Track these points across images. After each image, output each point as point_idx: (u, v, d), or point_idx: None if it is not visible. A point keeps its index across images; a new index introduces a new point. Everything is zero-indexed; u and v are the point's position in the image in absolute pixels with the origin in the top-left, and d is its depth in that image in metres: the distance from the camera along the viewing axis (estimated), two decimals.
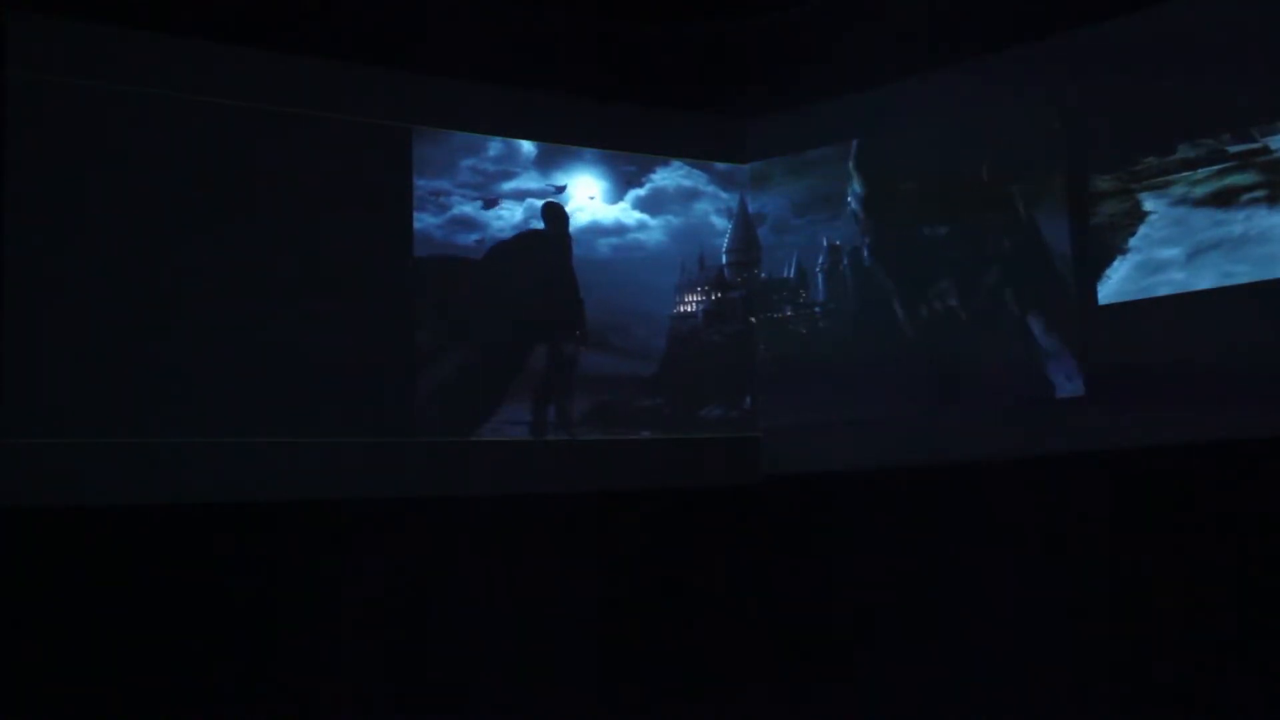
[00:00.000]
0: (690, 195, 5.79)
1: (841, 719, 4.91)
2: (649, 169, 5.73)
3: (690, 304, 5.72)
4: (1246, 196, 4.37)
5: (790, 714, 5.01)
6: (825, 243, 5.62)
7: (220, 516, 4.54)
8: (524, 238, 5.42)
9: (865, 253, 5.47)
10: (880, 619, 5.04)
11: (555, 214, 5.48)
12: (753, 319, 5.79)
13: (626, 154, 5.67)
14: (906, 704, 4.80)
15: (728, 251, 5.82)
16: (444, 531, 4.91)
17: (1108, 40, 4.72)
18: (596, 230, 5.58)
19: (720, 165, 5.85)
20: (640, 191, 5.70)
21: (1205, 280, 4.45)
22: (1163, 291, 4.55)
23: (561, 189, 5.48)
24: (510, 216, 5.39)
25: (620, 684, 5.02)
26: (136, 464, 4.45)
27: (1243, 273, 4.36)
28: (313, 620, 4.62)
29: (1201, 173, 4.48)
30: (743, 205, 5.84)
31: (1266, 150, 4.32)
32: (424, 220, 5.18)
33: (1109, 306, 4.71)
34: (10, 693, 4.06)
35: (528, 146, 5.46)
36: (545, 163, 5.49)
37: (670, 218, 5.73)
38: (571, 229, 5.52)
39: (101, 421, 4.42)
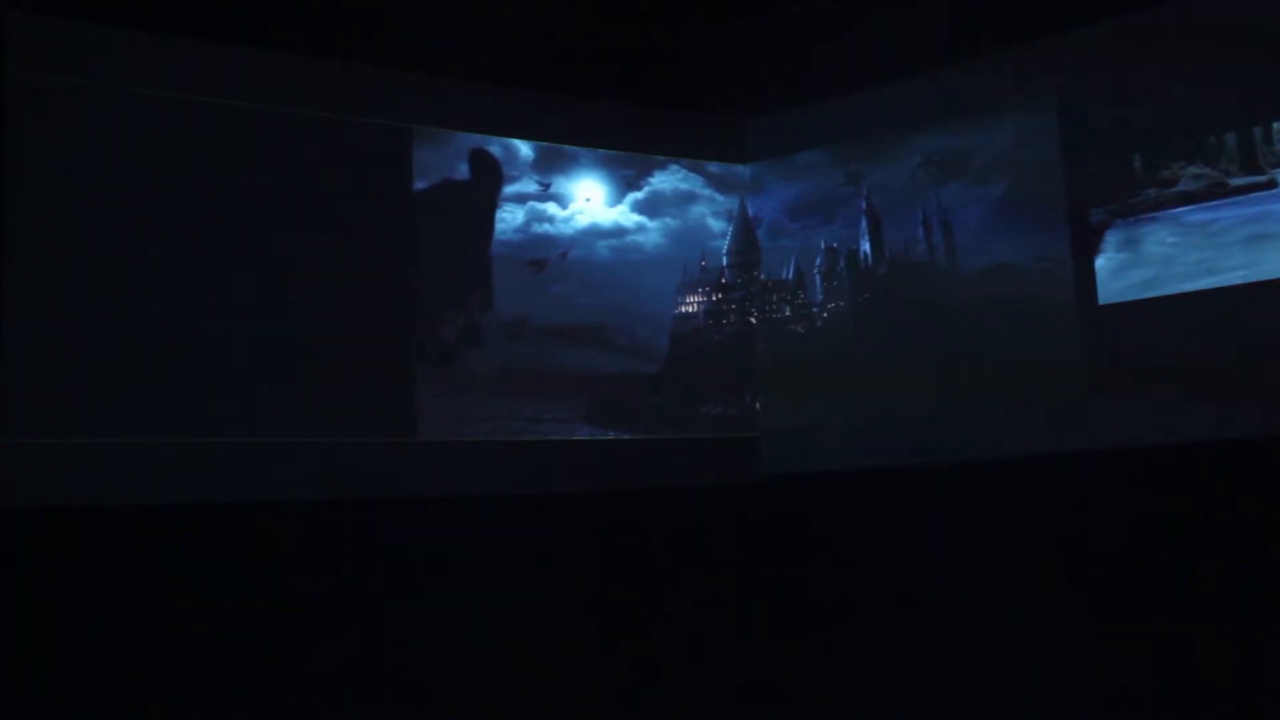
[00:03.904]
0: (687, 198, 5.81)
1: (841, 718, 4.91)
2: (647, 172, 5.74)
3: (692, 304, 5.73)
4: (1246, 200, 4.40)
5: (790, 713, 5.01)
6: (823, 244, 5.64)
7: (220, 516, 4.53)
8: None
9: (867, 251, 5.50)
10: (880, 619, 5.04)
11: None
12: (753, 319, 5.80)
13: (624, 158, 5.68)
14: (907, 704, 4.80)
15: (728, 253, 5.84)
16: (444, 531, 4.90)
17: (1109, 40, 4.74)
18: (596, 232, 5.59)
19: (717, 169, 5.86)
20: (638, 195, 5.71)
21: (1206, 280, 4.46)
22: (1163, 291, 4.57)
23: (547, 186, 5.47)
24: (511, 219, 5.40)
25: (620, 684, 5.02)
26: (136, 464, 4.43)
27: (1243, 273, 4.38)
28: (312, 620, 4.61)
29: (1202, 178, 4.51)
30: (743, 207, 5.86)
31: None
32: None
33: (1109, 306, 4.72)
34: (10, 693, 4.05)
35: (525, 150, 5.46)
36: (543, 166, 5.49)
37: (668, 220, 5.74)
38: (571, 231, 5.52)
39: (101, 421, 4.41)
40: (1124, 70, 4.71)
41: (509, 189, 5.41)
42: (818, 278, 5.65)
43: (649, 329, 5.62)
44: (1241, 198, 4.40)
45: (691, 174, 5.82)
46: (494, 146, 5.38)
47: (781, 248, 5.77)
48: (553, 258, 5.47)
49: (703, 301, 5.75)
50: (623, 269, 5.61)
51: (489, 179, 5.36)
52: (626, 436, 5.48)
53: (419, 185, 5.17)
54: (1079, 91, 4.86)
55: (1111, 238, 4.70)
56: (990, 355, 5.01)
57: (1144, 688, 4.35)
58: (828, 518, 5.31)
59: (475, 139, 5.33)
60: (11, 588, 4.13)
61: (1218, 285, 4.43)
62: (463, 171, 5.31)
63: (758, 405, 5.72)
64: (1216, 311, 4.41)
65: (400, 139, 5.14)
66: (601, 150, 5.62)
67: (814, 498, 5.40)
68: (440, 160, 5.25)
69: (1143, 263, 4.63)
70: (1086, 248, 4.79)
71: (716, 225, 5.84)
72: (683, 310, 5.71)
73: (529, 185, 5.45)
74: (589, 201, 5.59)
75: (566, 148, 5.56)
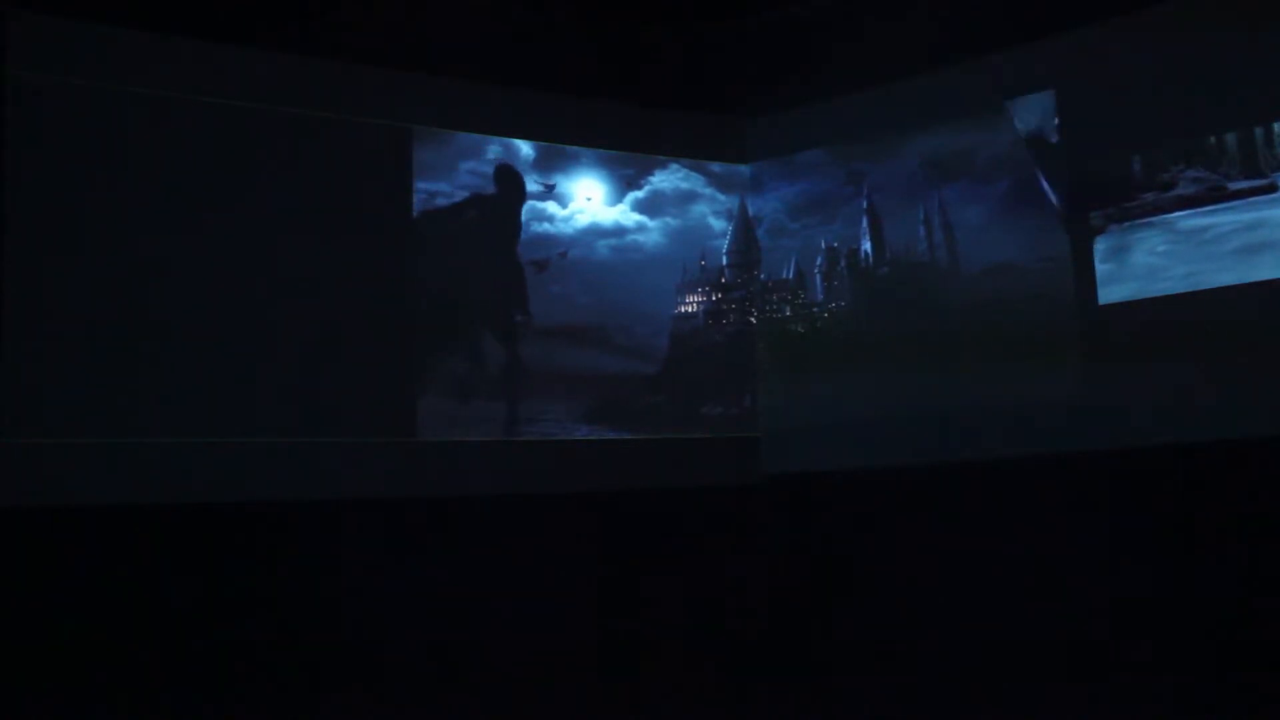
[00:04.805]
0: (688, 198, 5.80)
1: (841, 717, 4.91)
2: (647, 172, 5.73)
3: (692, 304, 5.73)
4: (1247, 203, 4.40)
5: (790, 714, 5.01)
6: (823, 244, 5.64)
7: (220, 516, 4.54)
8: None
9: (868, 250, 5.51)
10: (880, 618, 5.04)
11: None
12: (753, 319, 5.80)
13: (625, 157, 5.68)
14: (907, 703, 4.80)
15: (728, 253, 5.84)
16: (444, 531, 4.90)
17: (1108, 41, 4.74)
18: (596, 232, 5.59)
19: (717, 168, 5.86)
20: (639, 194, 5.71)
21: (1208, 280, 4.46)
22: (1163, 291, 4.56)
23: (552, 186, 5.48)
24: None
25: (620, 683, 5.02)
26: (136, 464, 4.44)
27: (1242, 272, 4.37)
28: (312, 620, 4.62)
29: (1201, 181, 4.51)
30: (743, 207, 5.86)
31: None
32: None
33: (1109, 306, 4.71)
34: (10, 693, 4.05)
35: (526, 150, 5.46)
36: (543, 166, 5.50)
37: (668, 220, 5.74)
38: (571, 231, 5.52)
39: (101, 421, 4.41)
40: (1124, 70, 4.71)
41: None
42: (818, 277, 5.65)
43: (649, 329, 5.62)
44: (1240, 202, 4.39)
45: (692, 173, 5.82)
46: (494, 146, 5.38)
47: (782, 247, 5.76)
48: (553, 257, 5.47)
49: (703, 301, 5.75)
50: (623, 269, 5.61)
51: (512, 191, 5.38)
52: (626, 436, 5.49)
53: (427, 192, 5.18)
54: (1079, 92, 4.85)
55: (1101, 245, 4.70)
56: (990, 355, 5.01)
57: (1146, 687, 4.35)
58: (828, 518, 5.32)
59: (475, 139, 5.33)
60: (11, 588, 4.13)
61: (1219, 285, 4.42)
62: (463, 172, 5.30)
63: (758, 405, 5.72)
64: (1217, 311, 4.40)
65: (400, 139, 5.14)
66: (601, 150, 5.62)
67: (814, 498, 5.40)
68: (440, 160, 5.25)
69: (1128, 276, 4.62)
70: (1087, 248, 4.78)
71: (717, 225, 5.84)
72: (683, 310, 5.71)
73: (530, 185, 5.45)
74: (589, 201, 5.58)
75: (567, 147, 5.56)
